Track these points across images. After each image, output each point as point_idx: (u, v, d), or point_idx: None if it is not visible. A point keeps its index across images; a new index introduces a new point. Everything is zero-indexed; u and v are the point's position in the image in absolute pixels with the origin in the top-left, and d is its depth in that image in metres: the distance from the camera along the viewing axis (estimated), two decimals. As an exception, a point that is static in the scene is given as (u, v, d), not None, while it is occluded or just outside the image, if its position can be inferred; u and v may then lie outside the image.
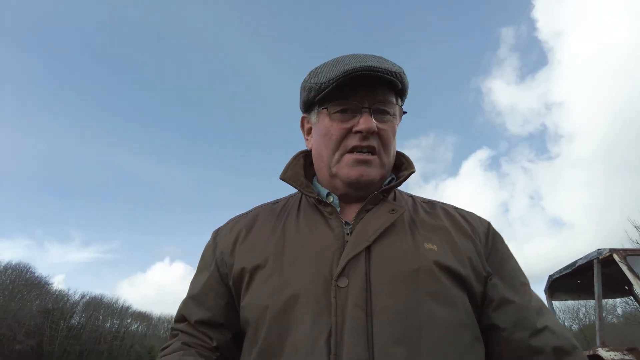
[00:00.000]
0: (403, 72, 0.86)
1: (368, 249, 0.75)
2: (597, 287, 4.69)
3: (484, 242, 0.85)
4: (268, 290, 0.74)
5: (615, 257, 4.48)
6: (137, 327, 57.80)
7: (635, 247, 17.12)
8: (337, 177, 0.86)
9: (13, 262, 45.09)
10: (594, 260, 4.75)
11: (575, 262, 5.11)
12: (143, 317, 58.92)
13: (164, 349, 0.83)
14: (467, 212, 0.93)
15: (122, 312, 55.39)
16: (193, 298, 0.87)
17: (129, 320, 56.59)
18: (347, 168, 0.84)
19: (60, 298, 49.33)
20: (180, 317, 0.87)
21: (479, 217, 0.92)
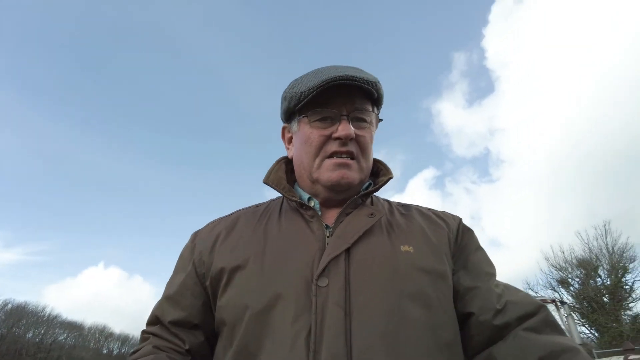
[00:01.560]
0: (379, 82, 0.91)
1: (348, 250, 0.77)
2: None
3: (454, 236, 0.90)
4: (248, 290, 0.76)
5: None
6: (66, 337, 53.41)
7: (545, 275, 19.60)
8: (318, 182, 0.89)
9: None
10: None
11: None
12: (73, 327, 54.59)
13: (134, 352, 0.82)
14: (440, 211, 0.99)
15: (49, 322, 50.96)
16: (169, 298, 0.86)
17: (57, 330, 52.17)
18: (328, 172, 0.87)
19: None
20: (154, 319, 0.86)
21: (452, 215, 0.97)
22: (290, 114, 0.95)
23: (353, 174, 0.88)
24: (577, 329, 5.42)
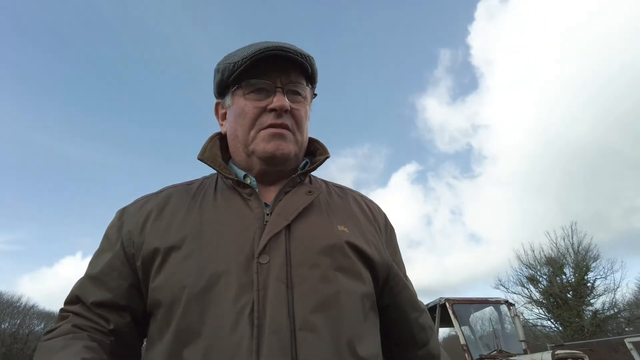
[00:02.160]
0: (312, 58, 0.91)
1: (288, 227, 0.79)
2: (437, 322, 6.88)
3: (383, 230, 0.94)
4: (186, 270, 0.74)
5: (447, 304, 6.76)
6: (43, 328, 52.69)
7: (516, 272, 21.01)
8: (254, 154, 0.88)
9: None
10: (437, 305, 6.97)
11: (427, 304, 7.33)
12: (50, 317, 53.84)
13: (49, 332, 0.77)
14: (370, 201, 1.02)
15: (25, 312, 50.16)
16: (92, 278, 0.82)
17: (34, 321, 51.41)
18: (263, 143, 0.86)
19: (-50, 295, 43.39)
20: (74, 299, 0.82)
21: (379, 208, 1.02)
22: (223, 88, 0.94)
23: (288, 146, 0.87)
24: (522, 329, 6.19)
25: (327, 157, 0.94)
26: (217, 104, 1.00)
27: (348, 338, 0.72)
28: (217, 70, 0.95)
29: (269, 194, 0.87)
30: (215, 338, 0.68)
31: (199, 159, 0.91)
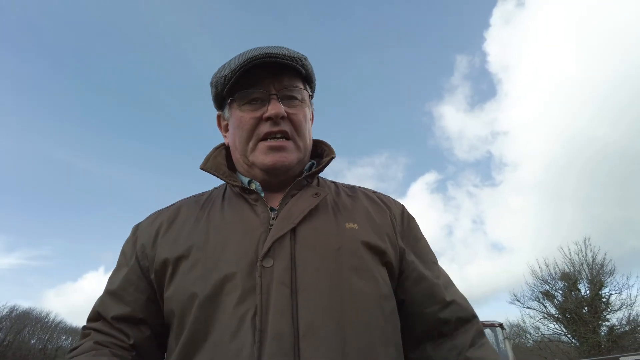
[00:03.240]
0: (304, 58, 0.89)
1: (293, 230, 0.77)
2: None
3: (399, 221, 0.91)
4: (193, 278, 0.75)
5: None
6: (70, 343, 54.25)
7: (531, 287, 21.08)
8: (254, 165, 0.88)
9: None
10: None
11: None
12: (77, 333, 55.40)
13: (73, 349, 0.79)
14: (384, 195, 0.99)
15: (52, 327, 51.84)
16: (111, 294, 0.84)
17: (63, 337, 53.05)
18: (262, 155, 0.86)
19: (-17, 312, 45.34)
20: (95, 315, 0.84)
21: (395, 200, 0.98)
22: (220, 101, 0.94)
23: (289, 155, 0.87)
24: (512, 352, 6.76)
25: (333, 158, 0.93)
26: (218, 117, 1.01)
27: (358, 345, 0.69)
28: (211, 84, 0.95)
29: (276, 199, 0.87)
30: (218, 345, 0.68)
31: (201, 168, 0.92)
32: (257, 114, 0.87)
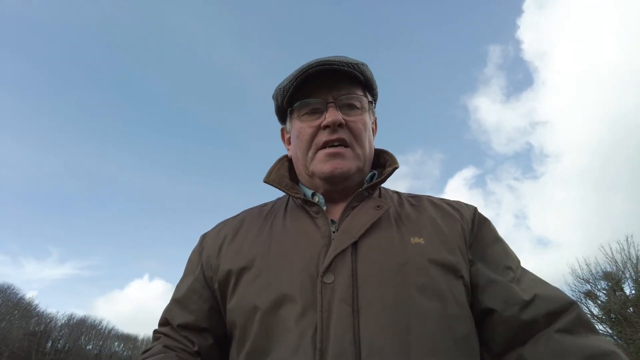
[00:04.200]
0: (362, 64, 0.89)
1: (354, 245, 0.75)
2: None
3: (470, 227, 0.86)
4: (255, 290, 0.75)
5: None
6: (122, 348, 57.23)
7: (571, 288, 20.38)
8: (314, 175, 0.88)
9: (-2, 283, 44.58)
10: None
11: None
12: (128, 339, 58.36)
13: (145, 351, 0.82)
14: (454, 200, 0.94)
15: (106, 335, 54.89)
16: (177, 301, 0.87)
17: (116, 344, 56.06)
18: (321, 164, 0.86)
19: (45, 319, 48.87)
20: (164, 321, 0.87)
21: (466, 204, 0.93)
22: (282, 113, 0.96)
23: (347, 163, 0.86)
24: None
25: (396, 168, 0.90)
26: (282, 130, 1.02)
27: None
28: (273, 98, 0.97)
29: (337, 211, 0.86)
30: None
31: (264, 181, 0.93)
32: (316, 123, 0.87)
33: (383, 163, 0.97)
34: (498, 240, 0.88)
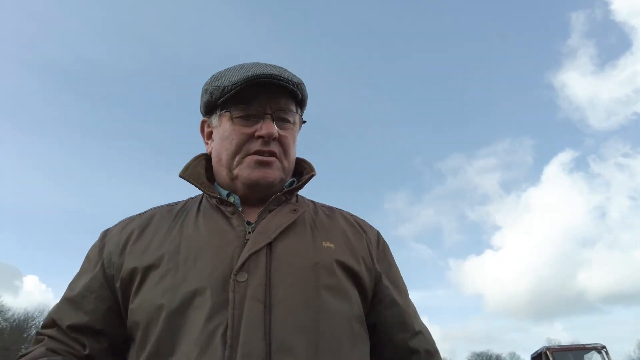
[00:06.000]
0: (303, 84, 0.92)
1: (269, 245, 0.77)
2: None
3: (375, 246, 0.92)
4: (162, 289, 0.73)
5: (547, 353, 8.14)
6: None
7: None
8: (237, 179, 0.87)
9: None
10: (542, 353, 8.17)
11: (534, 353, 8.79)
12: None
13: (22, 356, 0.75)
14: (361, 219, 1.00)
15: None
16: (70, 301, 0.81)
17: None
18: (249, 169, 0.86)
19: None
20: (50, 322, 0.80)
21: (370, 225, 0.99)
22: (211, 108, 0.93)
23: (274, 173, 0.87)
24: None
25: (313, 175, 0.94)
26: (203, 122, 0.99)
27: None
28: (204, 91, 0.94)
29: (253, 213, 0.86)
30: None
31: (180, 176, 0.91)
32: (249, 130, 0.86)
33: (301, 171, 0.99)
34: (396, 264, 0.96)
